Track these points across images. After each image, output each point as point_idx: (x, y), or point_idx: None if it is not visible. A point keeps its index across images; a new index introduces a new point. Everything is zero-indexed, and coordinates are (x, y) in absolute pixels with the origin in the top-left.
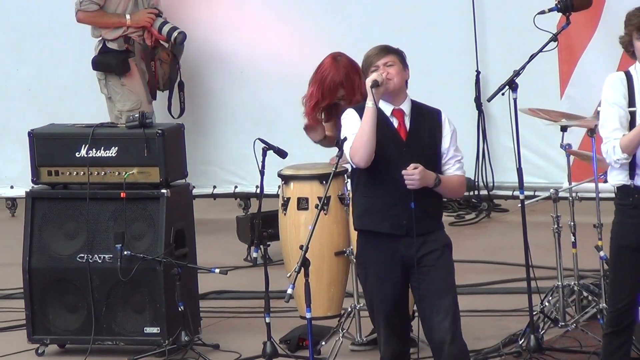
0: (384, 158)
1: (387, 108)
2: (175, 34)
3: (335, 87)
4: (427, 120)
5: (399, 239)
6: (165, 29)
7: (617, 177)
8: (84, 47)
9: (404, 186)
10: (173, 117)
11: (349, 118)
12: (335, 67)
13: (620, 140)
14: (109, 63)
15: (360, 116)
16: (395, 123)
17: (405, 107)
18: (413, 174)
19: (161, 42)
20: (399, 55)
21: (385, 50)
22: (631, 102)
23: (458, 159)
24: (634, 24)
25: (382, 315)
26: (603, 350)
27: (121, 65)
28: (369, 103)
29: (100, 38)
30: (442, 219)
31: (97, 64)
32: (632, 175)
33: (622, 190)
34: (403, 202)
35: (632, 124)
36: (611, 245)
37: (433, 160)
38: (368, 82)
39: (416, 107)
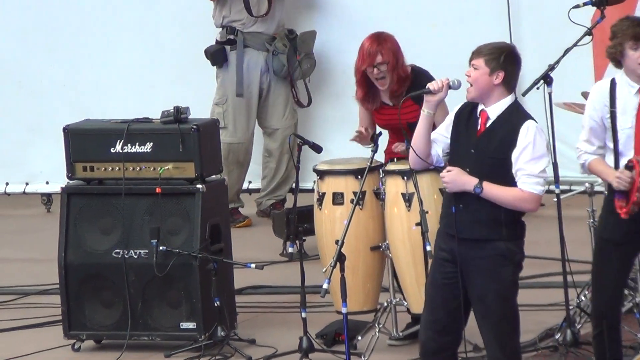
0: (456, 156)
1: (480, 107)
2: None
3: (375, 53)
4: (507, 126)
5: (453, 238)
6: None
7: None
8: (117, 44)
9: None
10: (302, 106)
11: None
12: (373, 36)
13: (589, 162)
14: (206, 52)
15: (457, 115)
16: (479, 124)
17: (493, 109)
18: (444, 176)
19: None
20: (491, 58)
21: (478, 51)
22: (612, 105)
23: (527, 174)
24: (629, 34)
25: (426, 297)
26: (595, 351)
27: (216, 55)
28: (424, 110)
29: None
30: (508, 230)
31: (204, 53)
32: None
33: (611, 185)
34: (458, 204)
35: (613, 125)
36: (595, 239)
37: (500, 167)
38: (426, 87)
39: (509, 111)
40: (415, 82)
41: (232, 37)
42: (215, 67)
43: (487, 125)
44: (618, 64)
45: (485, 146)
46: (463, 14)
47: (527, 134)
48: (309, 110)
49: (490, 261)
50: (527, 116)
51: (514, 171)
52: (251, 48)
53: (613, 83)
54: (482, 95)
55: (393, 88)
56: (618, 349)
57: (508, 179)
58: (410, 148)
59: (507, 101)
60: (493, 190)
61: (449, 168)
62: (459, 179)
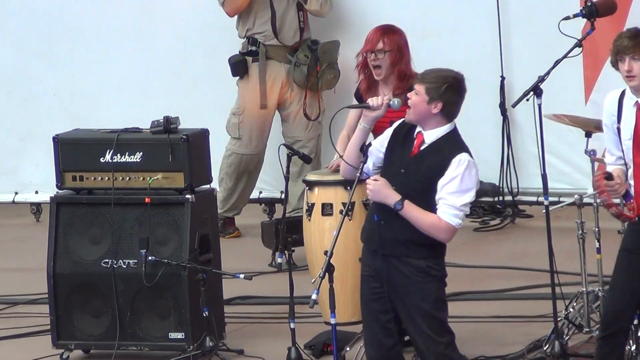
0: (387, 172)
1: (418, 128)
2: None
3: (377, 39)
4: (439, 154)
5: (375, 253)
6: None
7: None
8: (110, 53)
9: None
10: (309, 119)
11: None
12: (381, 26)
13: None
14: (229, 62)
15: (395, 132)
16: (414, 145)
17: (429, 135)
18: (369, 184)
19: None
20: (432, 87)
21: (422, 76)
22: (619, 119)
23: (449, 204)
24: (615, 47)
25: (363, 318)
26: (596, 354)
27: (239, 66)
28: (360, 123)
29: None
30: (427, 250)
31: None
32: None
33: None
34: (380, 220)
35: (620, 139)
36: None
37: (425, 191)
38: (367, 102)
39: (444, 140)
40: None
41: (254, 48)
42: (237, 77)
43: (421, 148)
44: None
45: (415, 169)
46: (455, 25)
47: (458, 166)
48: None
49: (413, 279)
50: (462, 148)
51: (436, 198)
52: (273, 60)
53: (622, 94)
54: (419, 120)
55: (395, 84)
56: (620, 354)
57: (430, 205)
58: (342, 159)
59: (444, 129)
60: (412, 211)
61: (376, 177)
62: (383, 189)
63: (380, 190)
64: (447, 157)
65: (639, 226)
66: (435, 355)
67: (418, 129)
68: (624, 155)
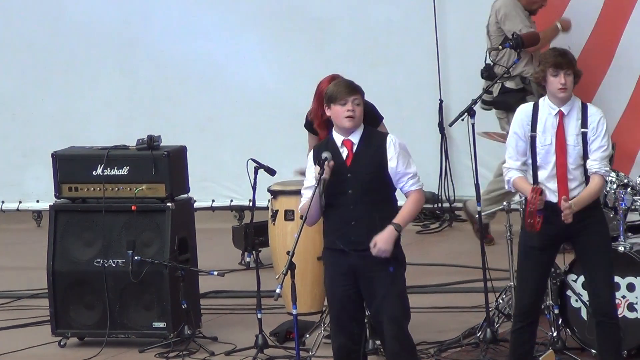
0: (335, 188)
1: (338, 138)
2: None
3: None
4: (373, 145)
5: (344, 253)
6: None
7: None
8: (99, 81)
9: (351, 208)
10: None
11: (309, 163)
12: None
13: (513, 180)
14: (508, 102)
15: (315, 159)
16: (345, 152)
17: (355, 136)
18: (377, 250)
19: None
20: (362, 94)
21: (356, 89)
22: (533, 129)
23: (410, 176)
24: (550, 62)
25: (333, 312)
26: (511, 344)
27: (520, 104)
28: (325, 176)
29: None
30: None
31: (498, 104)
32: None
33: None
34: (350, 222)
35: (532, 145)
36: (519, 248)
37: (378, 180)
38: (323, 156)
39: (367, 134)
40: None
41: (524, 85)
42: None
43: (354, 150)
44: (543, 88)
45: (360, 168)
46: (399, 56)
47: (395, 144)
48: (265, 138)
49: (384, 266)
50: (384, 132)
51: (397, 178)
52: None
53: (535, 106)
54: (360, 124)
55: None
56: (533, 342)
57: (383, 188)
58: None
59: (362, 127)
60: (404, 216)
61: (373, 243)
62: (386, 241)
63: (385, 242)
64: (382, 142)
65: (547, 225)
66: (398, 337)
67: (340, 140)
68: (534, 160)
